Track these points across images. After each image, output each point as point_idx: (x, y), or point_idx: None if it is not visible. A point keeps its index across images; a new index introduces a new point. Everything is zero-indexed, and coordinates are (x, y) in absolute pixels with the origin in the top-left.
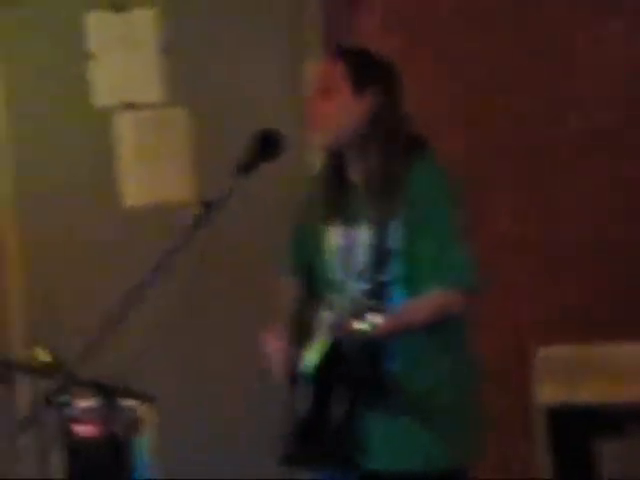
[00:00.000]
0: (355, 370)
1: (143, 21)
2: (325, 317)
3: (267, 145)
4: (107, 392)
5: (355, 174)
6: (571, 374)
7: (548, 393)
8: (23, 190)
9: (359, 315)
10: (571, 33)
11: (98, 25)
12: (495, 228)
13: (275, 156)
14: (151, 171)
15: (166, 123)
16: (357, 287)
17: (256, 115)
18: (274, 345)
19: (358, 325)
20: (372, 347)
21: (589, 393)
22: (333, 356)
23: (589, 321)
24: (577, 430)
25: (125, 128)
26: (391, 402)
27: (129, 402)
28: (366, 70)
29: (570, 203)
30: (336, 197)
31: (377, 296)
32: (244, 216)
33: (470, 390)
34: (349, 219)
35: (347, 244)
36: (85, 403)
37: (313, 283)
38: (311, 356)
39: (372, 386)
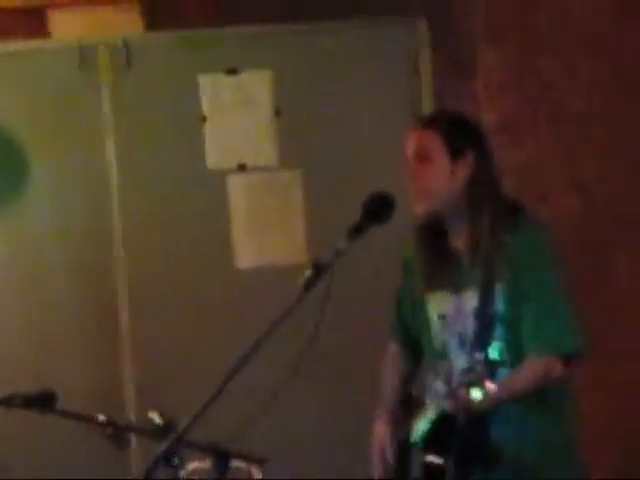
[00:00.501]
0: (463, 439)
1: (256, 83)
2: (435, 386)
3: (378, 208)
4: (219, 454)
5: (457, 240)
6: None
7: None
8: (135, 253)
9: (471, 384)
10: None
11: (211, 88)
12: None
13: (387, 219)
14: (263, 234)
15: (279, 186)
16: (465, 355)
17: (369, 178)
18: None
19: (472, 394)
20: (479, 415)
21: None
22: (442, 425)
23: None
24: None
25: (238, 191)
26: (496, 469)
27: (240, 464)
28: (461, 136)
29: None
30: (438, 264)
31: (486, 364)
32: (357, 278)
33: (569, 456)
34: (453, 286)
35: (452, 311)
36: (197, 465)
37: (418, 348)
38: (420, 426)
39: (479, 454)
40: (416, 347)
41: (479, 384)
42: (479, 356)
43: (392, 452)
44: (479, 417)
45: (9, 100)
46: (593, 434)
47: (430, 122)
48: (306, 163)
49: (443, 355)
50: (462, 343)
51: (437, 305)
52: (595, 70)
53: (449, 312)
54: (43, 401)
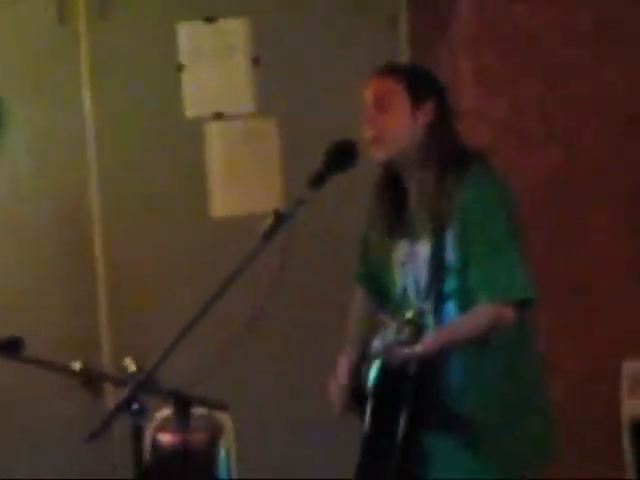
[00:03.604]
0: (408, 388)
1: (234, 31)
2: (378, 338)
3: (341, 155)
4: (183, 401)
5: (412, 189)
6: None
7: (634, 407)
8: (111, 202)
9: (406, 336)
10: None
11: (189, 36)
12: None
13: (350, 167)
14: (240, 182)
15: (256, 134)
16: (416, 304)
17: (346, 127)
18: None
19: (403, 348)
20: (424, 365)
21: None
22: (388, 375)
23: None
24: None
25: (215, 139)
26: (444, 419)
27: (204, 410)
28: (422, 84)
29: None
30: (396, 212)
31: (434, 312)
32: (321, 225)
33: (529, 404)
34: (410, 234)
35: (409, 259)
36: (162, 411)
37: (382, 295)
38: (370, 374)
39: (424, 403)
40: (380, 294)
41: (411, 337)
42: (424, 305)
43: (347, 386)
44: (430, 366)
45: None
46: None
47: (392, 70)
48: (283, 111)
49: (403, 301)
50: (417, 291)
51: (398, 253)
52: (576, 21)
53: (407, 260)
54: (9, 347)
